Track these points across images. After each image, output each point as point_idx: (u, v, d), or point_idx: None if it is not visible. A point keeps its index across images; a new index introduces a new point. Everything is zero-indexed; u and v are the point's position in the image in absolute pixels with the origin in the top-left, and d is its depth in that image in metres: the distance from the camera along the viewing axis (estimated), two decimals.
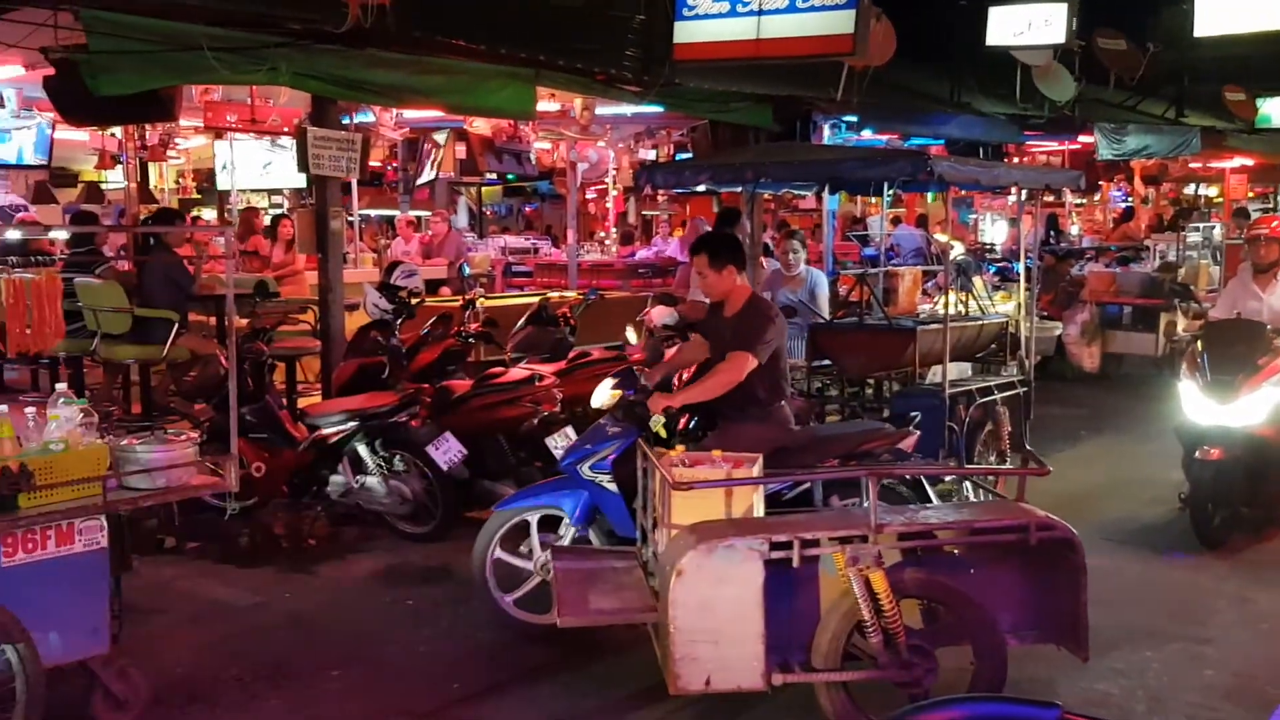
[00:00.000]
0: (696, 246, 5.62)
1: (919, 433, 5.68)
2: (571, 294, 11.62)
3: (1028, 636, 4.43)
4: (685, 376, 7.45)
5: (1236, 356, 6.68)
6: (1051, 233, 17.17)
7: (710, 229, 13.66)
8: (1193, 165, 19.88)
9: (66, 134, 12.25)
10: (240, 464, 4.85)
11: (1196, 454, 6.66)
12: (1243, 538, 6.73)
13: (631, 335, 8.00)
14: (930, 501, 5.12)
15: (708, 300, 5.80)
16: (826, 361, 7.69)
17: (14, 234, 8.90)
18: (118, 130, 12.45)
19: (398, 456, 6.91)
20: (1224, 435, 6.57)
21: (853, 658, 4.27)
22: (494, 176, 17.15)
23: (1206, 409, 6.70)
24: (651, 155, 15.06)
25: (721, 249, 5.48)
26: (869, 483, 4.27)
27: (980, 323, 7.86)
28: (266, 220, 13.87)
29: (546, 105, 10.79)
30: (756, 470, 4.60)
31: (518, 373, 7.67)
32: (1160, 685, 4.80)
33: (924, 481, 5.25)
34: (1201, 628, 5.48)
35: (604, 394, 5.70)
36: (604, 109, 11.70)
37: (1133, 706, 4.55)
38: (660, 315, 8.88)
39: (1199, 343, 7.10)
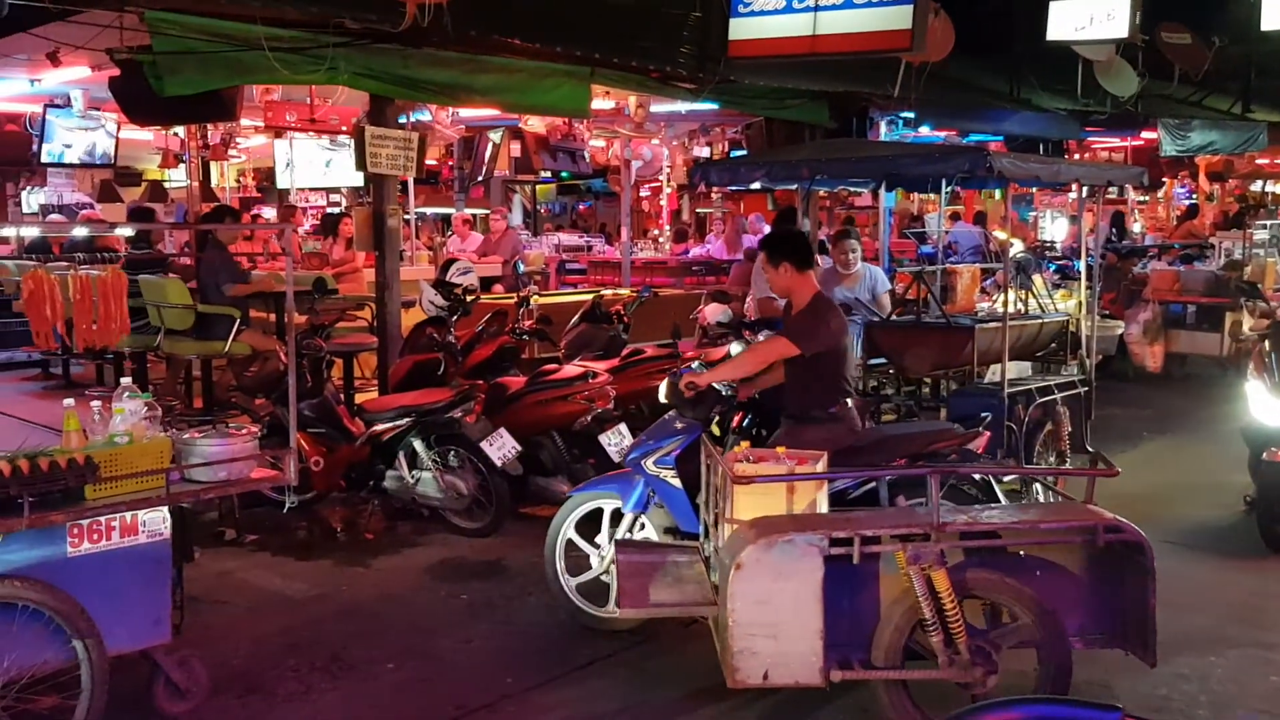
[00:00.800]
0: (761, 245, 5.60)
1: (989, 433, 5.60)
2: (625, 291, 11.63)
3: (1094, 640, 4.36)
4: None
5: None
6: (1114, 230, 16.88)
7: (770, 228, 13.63)
8: (1259, 161, 19.50)
9: (131, 133, 12.50)
10: (299, 458, 4.91)
11: (1264, 455, 6.50)
12: None
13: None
14: (998, 502, 5.05)
15: (779, 299, 5.73)
16: (883, 360, 7.63)
17: (81, 231, 9.08)
18: (180, 130, 12.69)
19: (452, 452, 6.96)
20: None
21: (915, 656, 4.23)
22: (548, 175, 17.22)
23: (1275, 409, 6.55)
24: (706, 153, 15.04)
25: (777, 247, 5.44)
26: (932, 481, 4.23)
27: (1040, 321, 7.75)
28: (305, 221, 14.03)
29: (601, 103, 10.82)
30: (820, 467, 4.56)
31: (571, 370, 7.70)
32: (1224, 690, 4.70)
33: (992, 482, 5.19)
34: (1267, 632, 5.36)
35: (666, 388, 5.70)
36: (658, 107, 11.71)
37: (1195, 712, 4.46)
38: (714, 313, 8.87)
39: (1266, 342, 6.92)
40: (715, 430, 5.30)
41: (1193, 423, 9.95)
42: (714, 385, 5.36)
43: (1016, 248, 12.35)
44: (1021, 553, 4.36)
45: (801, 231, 7.32)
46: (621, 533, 5.37)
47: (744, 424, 5.96)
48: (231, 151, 14.61)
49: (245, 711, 4.58)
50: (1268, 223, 14.69)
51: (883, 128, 11.84)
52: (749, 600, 4.12)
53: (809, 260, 5.47)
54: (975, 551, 4.23)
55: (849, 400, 5.34)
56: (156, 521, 4.24)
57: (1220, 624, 5.45)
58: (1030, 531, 4.31)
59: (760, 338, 7.71)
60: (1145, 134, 15.65)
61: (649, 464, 5.30)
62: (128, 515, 4.17)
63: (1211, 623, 5.46)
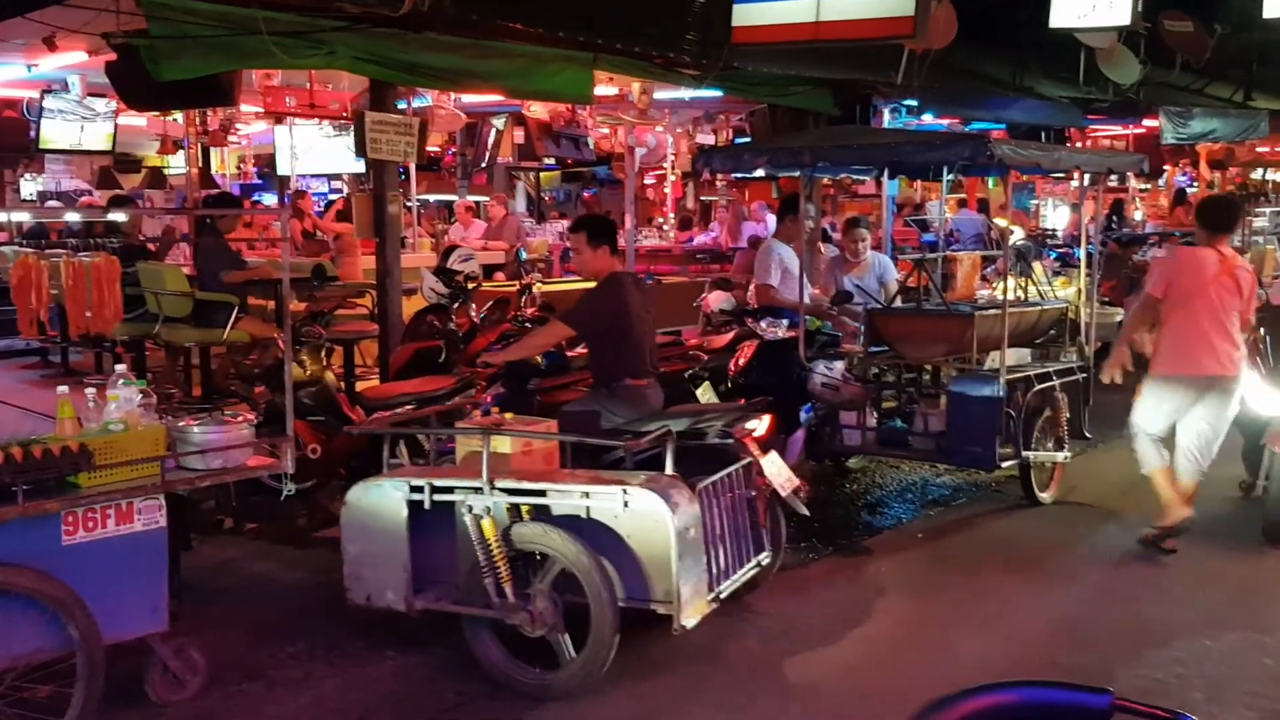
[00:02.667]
0: (576, 226, 6.06)
1: (769, 415, 5.50)
2: None
3: (635, 600, 4.56)
4: (741, 362, 7.46)
5: None
6: (1114, 218, 16.84)
7: (775, 212, 13.59)
8: (1260, 149, 19.43)
9: (129, 119, 12.46)
10: (297, 446, 4.91)
11: (1264, 443, 6.40)
12: None
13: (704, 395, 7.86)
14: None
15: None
16: (885, 347, 7.62)
17: (73, 216, 9.06)
18: (179, 115, 12.64)
19: None
20: None
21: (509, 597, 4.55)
22: (552, 161, 17.17)
23: (1270, 399, 6.47)
24: (710, 140, 15.00)
25: (599, 230, 5.89)
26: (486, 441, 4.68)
27: (1040, 308, 7.74)
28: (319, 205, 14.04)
29: (604, 89, 10.77)
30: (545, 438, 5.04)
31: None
32: (1218, 673, 4.71)
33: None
34: (1261, 618, 5.37)
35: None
36: (662, 93, 11.66)
37: (1189, 695, 4.46)
38: (717, 300, 8.87)
39: (1260, 329, 6.76)
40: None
41: None
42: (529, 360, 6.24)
43: (1017, 235, 12.34)
44: (584, 514, 4.55)
45: (605, 215, 7.87)
46: None
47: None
48: (231, 137, 14.56)
49: (244, 699, 4.58)
50: (1268, 210, 14.66)
51: (886, 115, 11.81)
52: (354, 533, 4.86)
53: (612, 240, 5.91)
54: (536, 507, 4.62)
55: (631, 379, 5.62)
56: (152, 509, 4.24)
57: (1215, 610, 5.46)
58: (565, 492, 4.59)
59: (763, 325, 7.73)
60: (1147, 122, 15.58)
61: None
62: (123, 503, 4.17)
63: (1207, 608, 5.47)
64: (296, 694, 4.62)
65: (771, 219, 13.98)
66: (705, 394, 7.53)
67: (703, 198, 22.23)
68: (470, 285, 8.59)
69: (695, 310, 8.81)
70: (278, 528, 6.74)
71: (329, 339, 7.58)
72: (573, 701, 4.51)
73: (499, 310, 8.46)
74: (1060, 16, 11.34)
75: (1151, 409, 6.38)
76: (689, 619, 4.50)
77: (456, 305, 8.24)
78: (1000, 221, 13.41)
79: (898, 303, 7.81)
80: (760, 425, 5.35)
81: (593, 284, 5.88)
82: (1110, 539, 6.68)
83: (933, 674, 4.64)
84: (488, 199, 16.75)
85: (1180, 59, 12.93)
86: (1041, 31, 11.46)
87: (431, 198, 19.52)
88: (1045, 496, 7.29)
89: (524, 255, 13.11)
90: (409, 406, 6.84)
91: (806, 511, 5.57)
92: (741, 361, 7.48)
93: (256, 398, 7.11)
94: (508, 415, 5.37)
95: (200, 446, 4.46)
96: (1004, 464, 6.89)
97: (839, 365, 7.24)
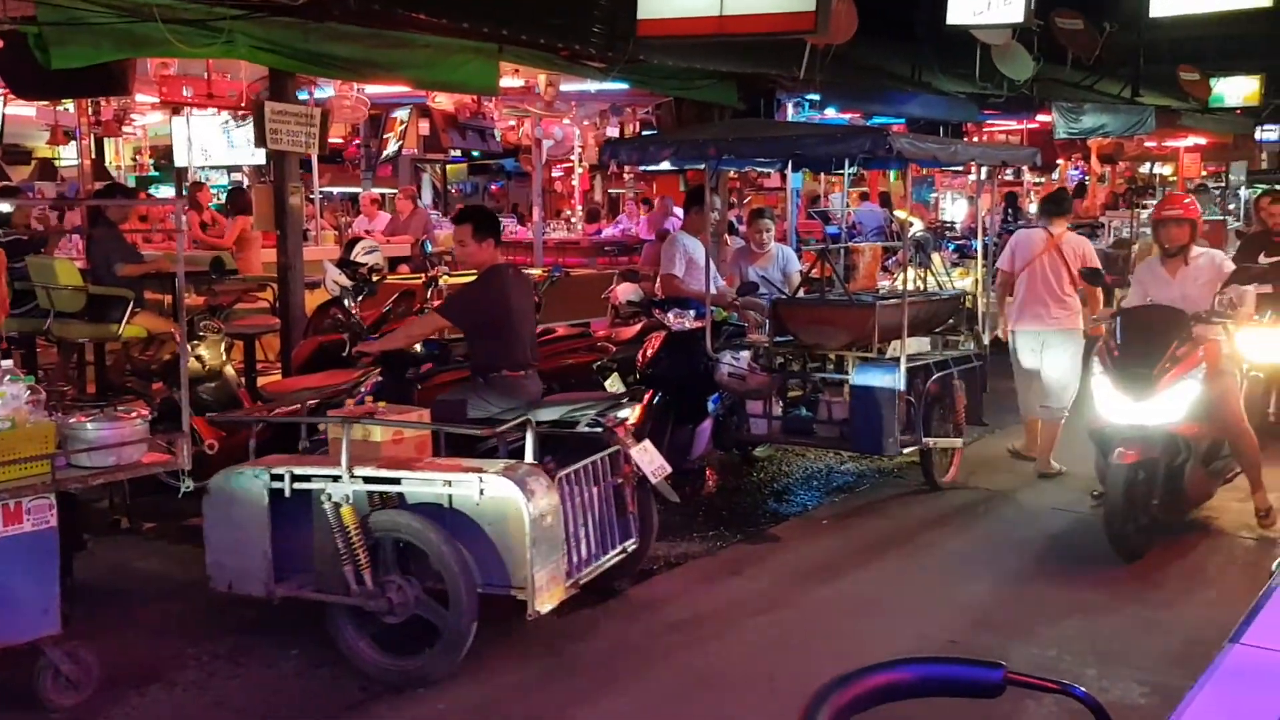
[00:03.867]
0: (461, 217, 6.09)
1: (641, 405, 5.57)
2: (537, 271, 11.57)
3: (495, 587, 4.64)
4: (649, 353, 7.50)
5: (1153, 347, 6.01)
6: (1009, 211, 17.30)
7: (679, 208, 13.65)
8: (1148, 144, 20.10)
9: (17, 109, 12.04)
10: (194, 441, 4.80)
11: (1114, 458, 5.89)
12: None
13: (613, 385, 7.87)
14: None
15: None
16: (789, 337, 7.72)
17: None
18: (70, 105, 12.25)
19: None
20: (1140, 436, 5.89)
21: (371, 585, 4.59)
22: (458, 153, 17.02)
23: (1121, 407, 6.00)
24: (616, 133, 15.01)
25: (485, 222, 5.94)
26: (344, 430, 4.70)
27: (938, 298, 7.93)
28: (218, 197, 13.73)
29: (510, 81, 10.72)
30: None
31: None
32: (1110, 650, 4.88)
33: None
34: (1153, 595, 5.57)
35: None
36: (568, 86, 11.64)
37: (1083, 671, 4.62)
38: (625, 292, 8.88)
39: (1113, 333, 6.31)
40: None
41: (1082, 394, 10.21)
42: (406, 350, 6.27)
43: (917, 227, 12.59)
44: (447, 502, 4.67)
45: (486, 208, 7.85)
46: None
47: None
48: (126, 128, 14.13)
49: (144, 701, 4.47)
50: (1152, 203, 15.17)
51: (790, 109, 11.96)
52: (216, 520, 4.85)
53: (495, 234, 5.99)
54: (399, 496, 4.70)
55: (508, 370, 5.68)
56: (42, 509, 4.13)
57: (1108, 587, 5.65)
58: (424, 480, 4.67)
59: (670, 316, 7.78)
60: (1040, 117, 16.03)
61: None
62: (11, 503, 4.05)
63: (1100, 586, 5.65)
64: (199, 694, 4.54)
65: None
66: (614, 385, 7.56)
67: (610, 190, 22.26)
68: (374, 278, 8.46)
69: (603, 302, 8.82)
70: (176, 526, 6.57)
71: (229, 333, 7.42)
72: (484, 693, 4.50)
73: (405, 303, 8.35)
74: (957, 14, 11.63)
75: (1019, 357, 7.85)
76: (544, 605, 4.58)
77: (360, 298, 8.13)
78: (900, 214, 13.68)
79: (801, 293, 7.93)
80: (631, 413, 5.40)
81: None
82: (1006, 522, 6.88)
83: (836, 655, 4.72)
84: (394, 191, 16.54)
85: (1071, 56, 13.35)
86: (939, 28, 11.74)
87: (336, 190, 19.21)
88: (945, 481, 7.47)
89: (429, 247, 12.97)
90: (312, 401, 6.74)
91: (676, 498, 5.63)
92: (649, 352, 7.52)
93: (154, 394, 6.94)
94: (381, 404, 5.41)
95: (92, 444, 4.34)
96: (905, 450, 7.06)
97: (745, 355, 7.33)
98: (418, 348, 6.42)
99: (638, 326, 8.10)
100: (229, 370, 7.19)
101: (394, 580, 4.61)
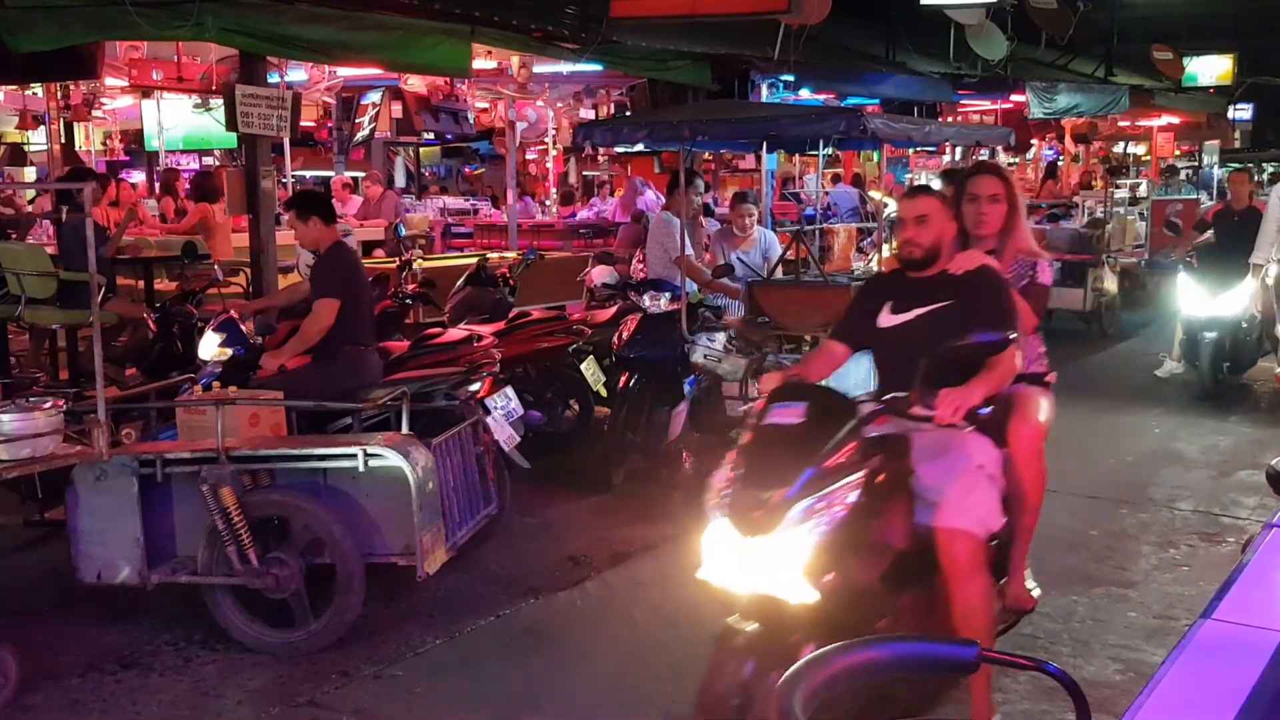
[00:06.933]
0: (286, 204, 6.24)
1: (489, 377, 6.02)
2: (511, 254, 11.54)
3: (382, 555, 4.81)
4: (625, 335, 7.49)
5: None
6: None
7: (648, 188, 13.61)
8: (1121, 124, 20.20)
9: None
10: (111, 431, 4.61)
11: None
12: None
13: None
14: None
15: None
16: (765, 318, 7.74)
17: None
18: (39, 89, 12.11)
19: None
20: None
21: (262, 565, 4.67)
22: (431, 136, 16.92)
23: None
24: (591, 115, 14.96)
25: (305, 203, 6.09)
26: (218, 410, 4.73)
27: None
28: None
29: (483, 63, 10.67)
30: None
31: (456, 333, 7.60)
32: (1084, 627, 4.93)
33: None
34: (1126, 572, 5.63)
35: (210, 348, 6.01)
36: (542, 67, 11.60)
37: (1057, 648, 4.67)
38: (600, 275, 8.88)
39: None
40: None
41: (1059, 372, 10.30)
42: (253, 344, 6.15)
43: (891, 208, 12.62)
44: (322, 478, 4.81)
45: (318, 190, 7.89)
46: None
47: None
48: (96, 112, 14.00)
49: (121, 687, 4.46)
50: (1127, 182, 15.29)
51: (764, 90, 11.95)
52: (83, 510, 4.76)
53: (332, 213, 6.19)
54: (272, 474, 4.81)
55: (353, 345, 5.81)
56: None
57: (1083, 564, 5.70)
58: (303, 457, 4.80)
59: (645, 299, 7.77)
60: (1014, 97, 16.06)
61: None
62: None
63: (1074, 564, 5.70)
64: (176, 679, 4.52)
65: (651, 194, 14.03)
66: (590, 368, 7.56)
67: (585, 173, 22.19)
68: None
69: (579, 285, 8.83)
70: None
71: (200, 318, 7.36)
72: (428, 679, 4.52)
73: (378, 287, 8.32)
74: None
75: None
76: (431, 567, 4.72)
77: None
78: (875, 194, 13.71)
79: (780, 273, 7.94)
80: (479, 386, 5.86)
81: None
82: None
83: None
84: (364, 175, 16.44)
85: (1045, 36, 13.40)
86: (914, 8, 11.75)
87: (308, 174, 19.07)
88: None
89: (403, 231, 12.91)
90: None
91: (527, 464, 6.05)
92: (625, 335, 7.52)
93: (127, 380, 6.89)
94: (232, 388, 5.45)
95: (6, 436, 4.22)
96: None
97: (720, 337, 7.34)
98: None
99: (613, 309, 8.09)
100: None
101: (278, 556, 4.69)
